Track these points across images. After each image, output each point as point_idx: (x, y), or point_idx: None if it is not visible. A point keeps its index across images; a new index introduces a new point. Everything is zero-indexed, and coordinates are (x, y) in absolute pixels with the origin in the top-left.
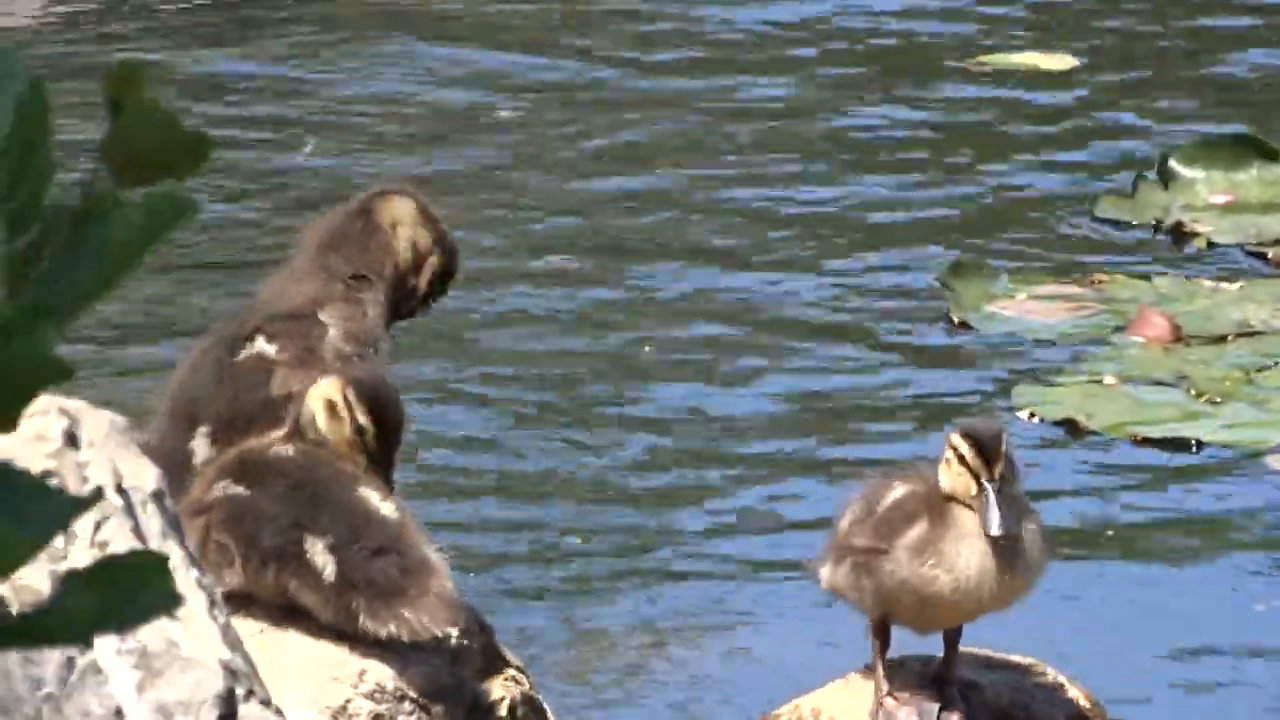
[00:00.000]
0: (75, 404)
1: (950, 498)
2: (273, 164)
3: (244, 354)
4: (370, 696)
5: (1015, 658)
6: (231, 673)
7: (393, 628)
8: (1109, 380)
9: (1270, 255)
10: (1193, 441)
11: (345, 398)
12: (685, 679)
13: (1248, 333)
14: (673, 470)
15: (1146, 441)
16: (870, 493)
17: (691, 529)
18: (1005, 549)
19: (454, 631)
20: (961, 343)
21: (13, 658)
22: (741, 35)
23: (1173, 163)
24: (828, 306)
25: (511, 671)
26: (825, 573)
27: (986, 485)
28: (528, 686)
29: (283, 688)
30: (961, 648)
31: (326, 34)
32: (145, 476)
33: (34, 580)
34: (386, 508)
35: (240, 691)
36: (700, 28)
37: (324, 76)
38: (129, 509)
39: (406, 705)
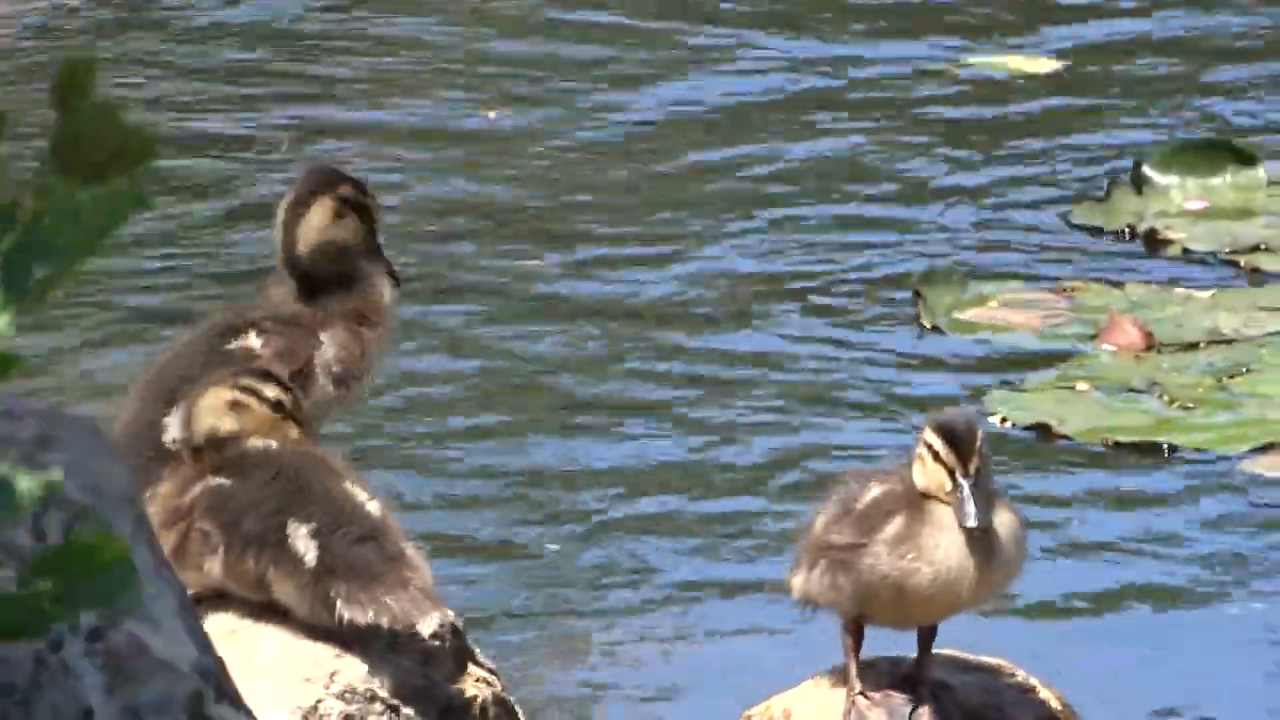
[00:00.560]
0: (47, 406)
1: (926, 494)
2: None
3: (235, 344)
4: (341, 697)
5: (987, 659)
6: (202, 674)
7: (372, 615)
8: (1081, 386)
9: (1243, 262)
10: (1165, 447)
11: (244, 385)
12: (658, 681)
13: (1220, 340)
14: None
15: (1119, 447)
16: (844, 494)
17: (662, 537)
18: (983, 542)
19: (433, 622)
20: (933, 349)
21: None
22: (713, 39)
23: (1147, 168)
24: (795, 309)
25: (483, 673)
26: (798, 581)
27: (961, 480)
28: (499, 688)
29: (254, 688)
30: (934, 649)
31: None
32: (117, 480)
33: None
34: (371, 504)
35: (211, 692)
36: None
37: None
38: (99, 510)
39: (377, 706)
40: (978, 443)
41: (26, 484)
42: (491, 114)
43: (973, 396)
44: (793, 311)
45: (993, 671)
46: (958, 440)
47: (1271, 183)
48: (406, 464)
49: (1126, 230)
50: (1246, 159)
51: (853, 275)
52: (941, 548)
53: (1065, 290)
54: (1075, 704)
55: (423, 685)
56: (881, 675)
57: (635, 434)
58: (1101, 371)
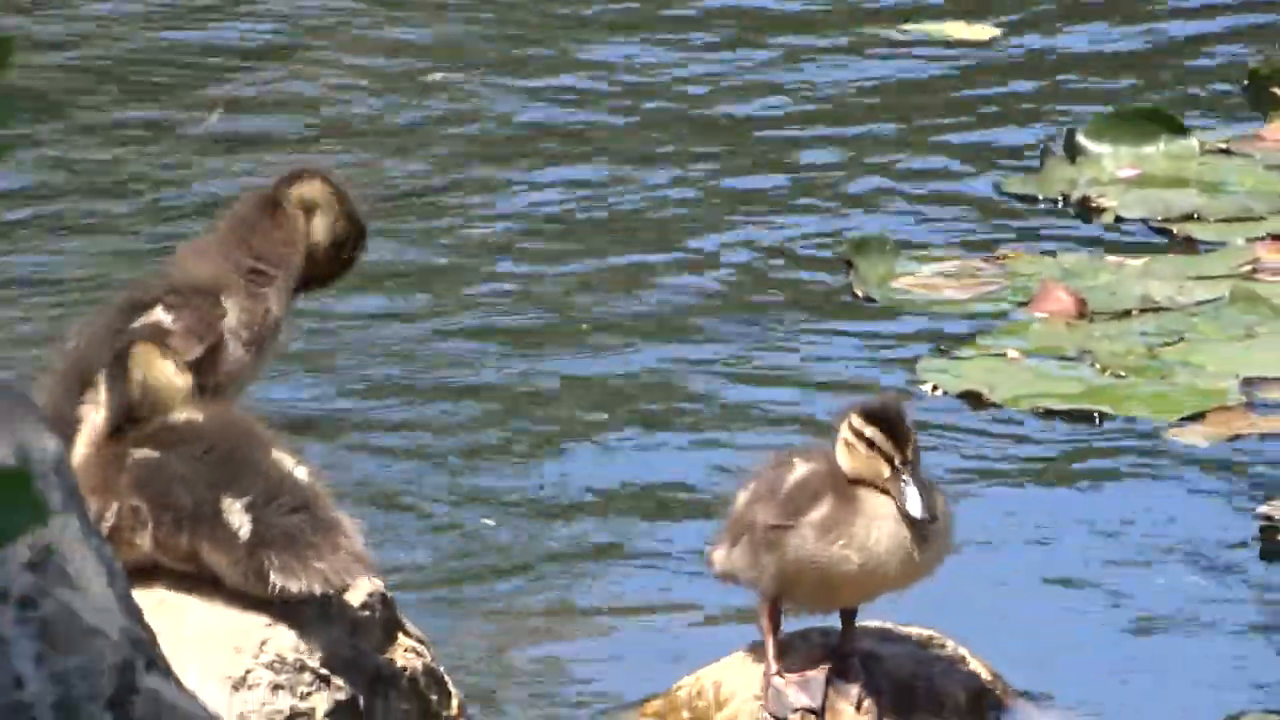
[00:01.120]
0: None
1: (855, 480)
2: None
3: (140, 322)
4: (270, 667)
5: (915, 630)
6: (131, 642)
7: (305, 582)
8: (1013, 354)
9: (1176, 231)
10: (1096, 415)
11: (162, 347)
12: (589, 654)
13: (1152, 308)
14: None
15: (1050, 415)
16: (768, 471)
17: (589, 504)
18: (917, 531)
19: (365, 588)
20: (865, 317)
21: None
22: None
23: (1080, 137)
24: (731, 279)
25: (412, 643)
26: (719, 556)
27: (902, 468)
28: (429, 658)
29: (183, 658)
30: (863, 621)
31: None
32: (47, 448)
33: None
34: (300, 471)
35: (140, 661)
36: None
37: None
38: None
39: (307, 676)
40: (910, 427)
41: None
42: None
43: (905, 364)
44: (723, 278)
45: (922, 642)
46: (892, 426)
47: (1204, 152)
48: (339, 436)
49: (1060, 198)
50: (1179, 128)
51: (785, 243)
52: (873, 537)
53: (998, 258)
54: (1005, 674)
55: (352, 655)
56: (813, 647)
57: (584, 397)
58: (1033, 339)
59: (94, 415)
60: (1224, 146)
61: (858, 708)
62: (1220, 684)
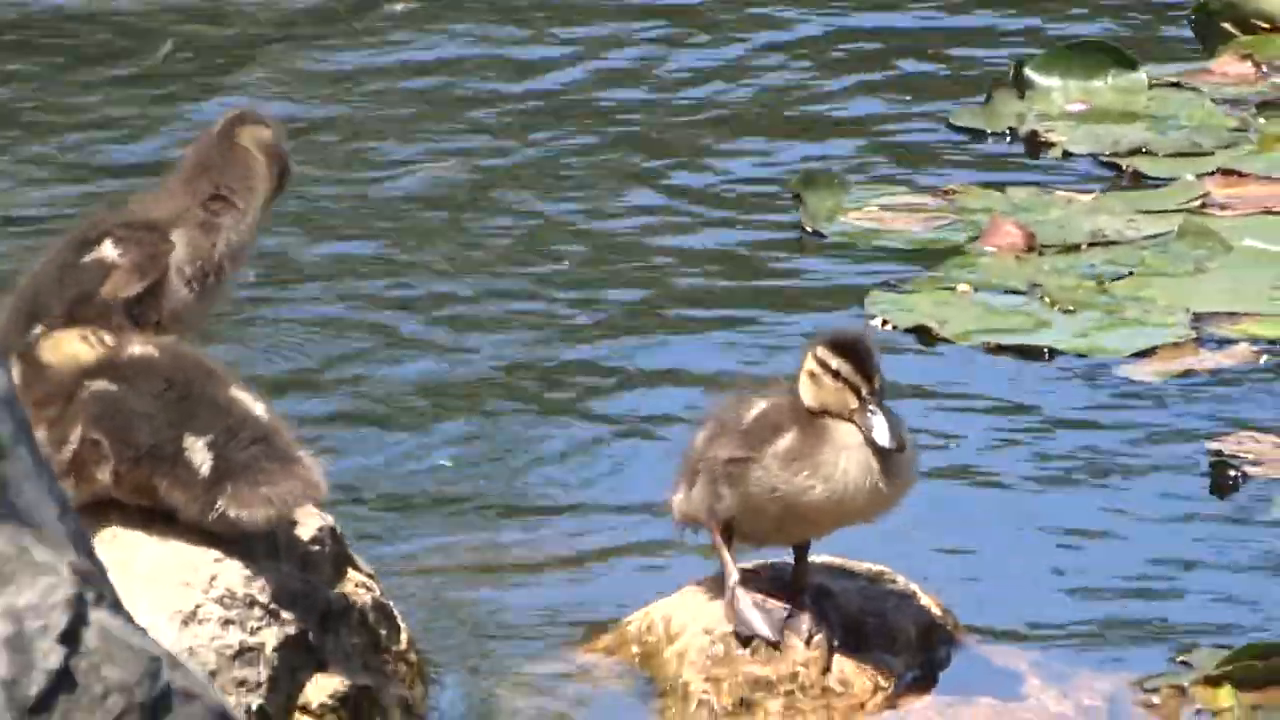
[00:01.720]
0: None
1: (818, 412)
2: None
3: (89, 257)
4: (220, 602)
5: (866, 566)
6: (82, 577)
7: (261, 512)
8: (962, 288)
9: (1125, 165)
10: (1045, 350)
11: (93, 334)
12: (539, 593)
13: (1101, 242)
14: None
15: (999, 349)
16: (724, 411)
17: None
18: (884, 461)
19: (316, 520)
20: (813, 251)
21: None
22: None
23: (1028, 71)
24: (679, 214)
25: (362, 578)
26: (678, 501)
27: (869, 399)
28: (378, 593)
29: (134, 593)
30: (814, 556)
31: None
32: None
33: None
34: (259, 408)
35: (91, 596)
36: None
37: None
38: None
39: (257, 611)
40: (876, 357)
41: None
42: (398, 6)
43: (854, 299)
44: (673, 215)
45: (873, 578)
46: (859, 357)
47: (1153, 86)
48: (309, 388)
49: (1008, 133)
50: (1127, 62)
51: (734, 180)
52: (840, 467)
53: (947, 193)
54: (955, 609)
55: (302, 590)
56: (763, 582)
57: (525, 341)
58: (982, 274)
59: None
60: (1173, 81)
61: (808, 642)
62: (1170, 619)
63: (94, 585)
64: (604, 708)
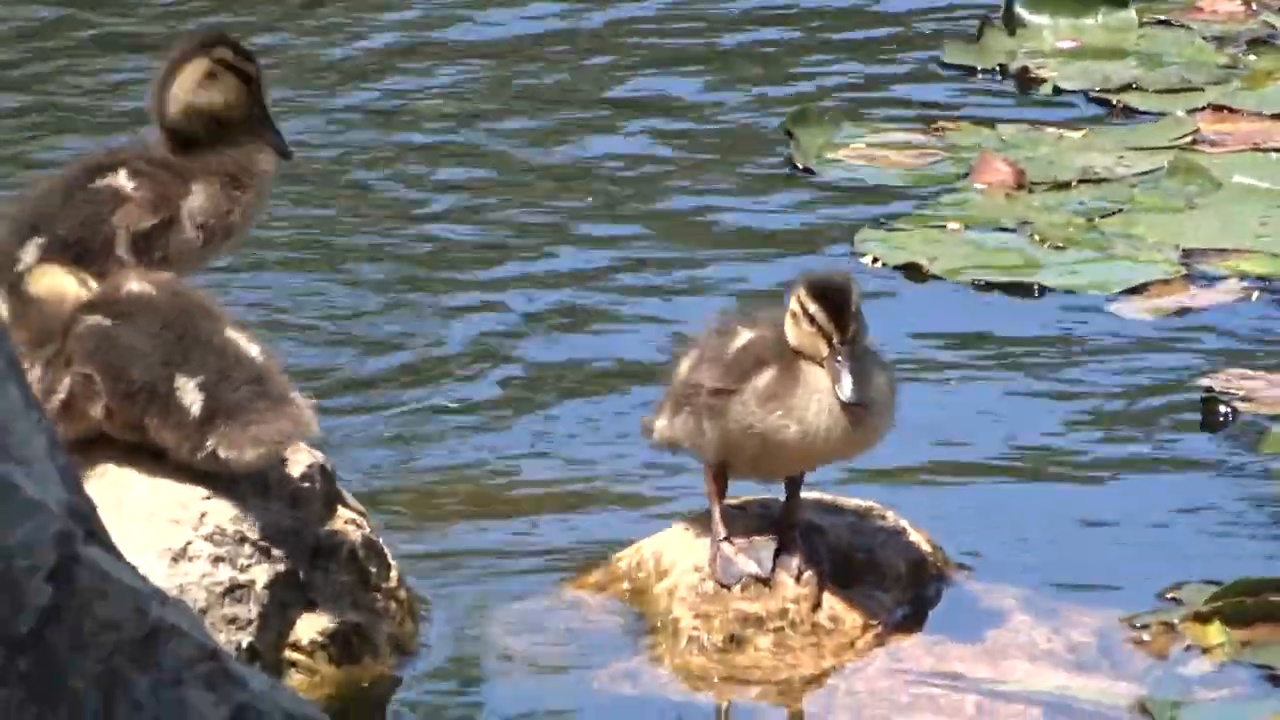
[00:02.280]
0: None
1: (798, 352)
2: None
3: (102, 182)
4: (210, 539)
5: (856, 501)
6: (72, 514)
7: (251, 452)
8: (952, 226)
9: (1115, 101)
10: (1035, 287)
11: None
12: (529, 529)
13: (1091, 179)
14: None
15: (989, 286)
16: (709, 339)
17: (529, 377)
18: (850, 413)
19: (306, 458)
20: (804, 188)
21: None
22: None
23: (1019, 8)
24: (670, 150)
25: (352, 515)
26: (661, 425)
27: (839, 349)
28: (368, 530)
29: (124, 530)
30: (804, 493)
31: None
32: None
33: None
34: (253, 349)
35: (80, 533)
36: None
37: None
38: None
39: (246, 548)
40: (854, 307)
41: None
42: None
43: (844, 236)
44: (662, 154)
45: (863, 514)
46: (834, 305)
47: (1142, 23)
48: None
49: (998, 70)
50: (1118, 0)
51: (724, 116)
52: (812, 410)
53: (937, 129)
54: (944, 545)
55: (292, 527)
56: (751, 518)
57: (507, 280)
58: (972, 211)
59: (30, 261)
60: (1163, 18)
61: (798, 579)
62: (1159, 555)
63: (84, 522)
64: (594, 644)
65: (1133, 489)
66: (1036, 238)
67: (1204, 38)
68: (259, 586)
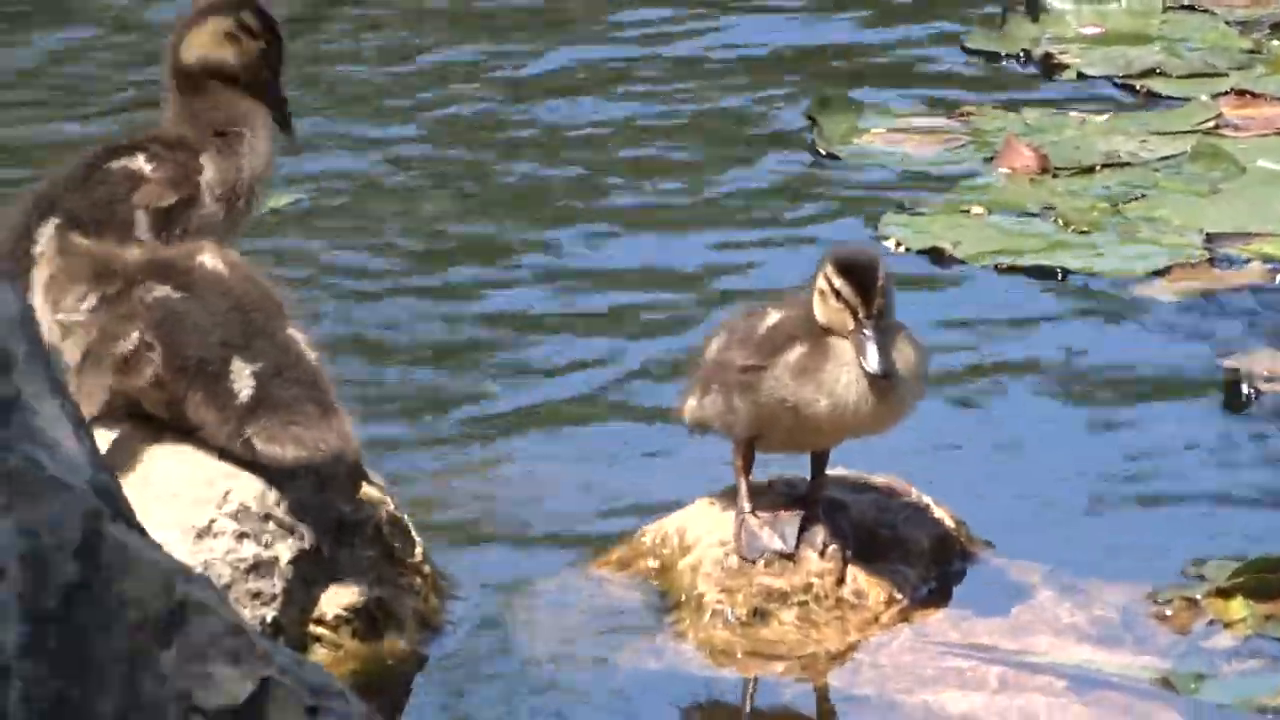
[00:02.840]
0: None
1: (827, 329)
2: None
3: (119, 163)
4: (234, 516)
5: (881, 478)
6: (98, 493)
7: (290, 451)
8: (976, 210)
9: (1139, 86)
10: (1059, 271)
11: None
12: (554, 505)
13: (1115, 164)
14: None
15: (1013, 270)
16: (738, 322)
17: (557, 364)
18: (876, 386)
19: (348, 454)
20: (828, 174)
21: None
22: None
23: None
24: (692, 138)
25: (376, 491)
26: (691, 405)
27: (864, 322)
28: (393, 506)
29: (148, 509)
30: (830, 469)
31: None
32: (8, 302)
33: None
34: (310, 352)
35: (106, 512)
36: None
37: None
38: None
39: (270, 524)
40: (880, 281)
41: None
42: None
43: (868, 221)
44: (687, 141)
45: (887, 491)
46: (860, 279)
47: (1166, 8)
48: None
49: (1022, 55)
50: None
51: (749, 102)
52: (842, 383)
53: (961, 114)
54: (968, 522)
55: (316, 504)
56: (777, 495)
57: (537, 265)
58: (996, 195)
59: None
60: (1186, 3)
61: (822, 554)
62: (1183, 532)
63: (109, 501)
64: (618, 620)
65: (1156, 467)
66: (1060, 222)
67: (1227, 23)
68: (283, 562)
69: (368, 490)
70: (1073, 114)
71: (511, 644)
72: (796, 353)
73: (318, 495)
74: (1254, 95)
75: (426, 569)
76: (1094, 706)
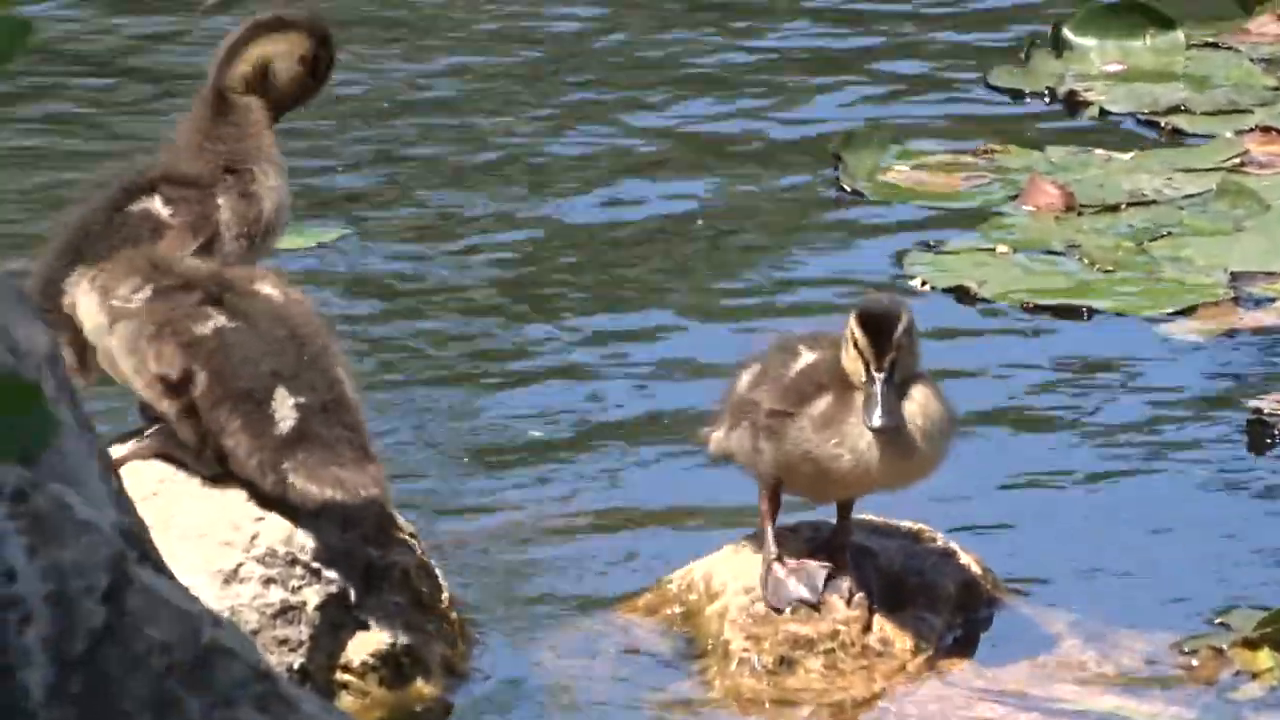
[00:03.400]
0: None
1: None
2: None
3: (138, 206)
4: (262, 560)
5: (907, 524)
6: (124, 536)
7: (328, 492)
8: (1001, 249)
9: (1163, 124)
10: (1084, 309)
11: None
12: (580, 549)
13: (1140, 202)
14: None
15: (1038, 309)
16: (770, 355)
17: (587, 403)
18: (900, 438)
19: (382, 503)
20: (853, 212)
21: None
22: None
23: (1066, 31)
24: (720, 171)
25: (404, 537)
26: (717, 436)
27: (875, 375)
28: (420, 551)
29: (174, 551)
30: (855, 515)
31: None
32: (38, 340)
33: None
34: (354, 395)
35: (133, 555)
36: None
37: None
38: (20, 371)
39: (298, 569)
40: (896, 334)
41: None
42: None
43: (893, 259)
44: (710, 175)
45: (914, 536)
46: (875, 332)
47: (1190, 45)
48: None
49: (1046, 92)
50: (1165, 22)
51: (773, 138)
52: (866, 439)
53: (986, 152)
54: (995, 568)
55: (344, 548)
56: (802, 541)
57: (565, 300)
58: (1021, 233)
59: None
60: (1211, 40)
61: (848, 601)
62: (1209, 578)
63: (136, 544)
64: (645, 667)
65: (1181, 512)
66: (1085, 260)
67: (1252, 60)
68: (310, 608)
69: (395, 535)
70: (1097, 152)
71: (538, 690)
72: (823, 404)
73: (345, 540)
74: (1278, 132)
75: (454, 615)
76: None
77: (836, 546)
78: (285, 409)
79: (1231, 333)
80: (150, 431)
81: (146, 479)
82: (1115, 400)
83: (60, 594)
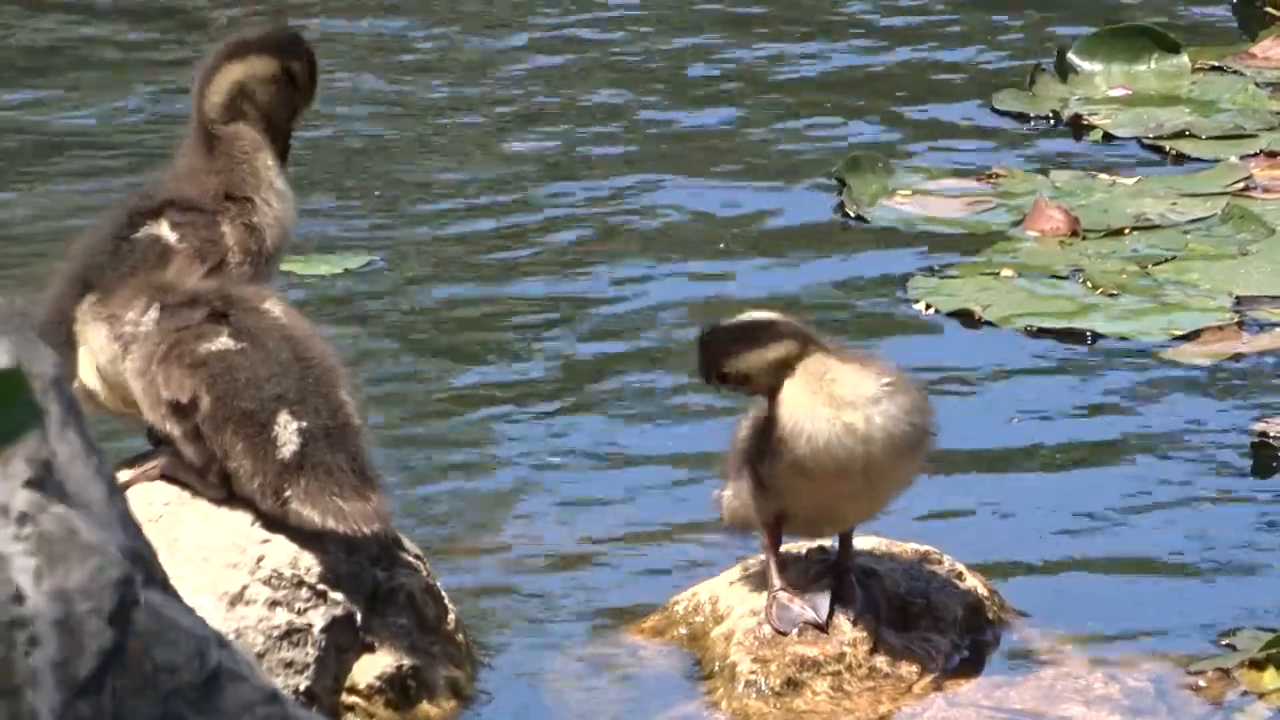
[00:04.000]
0: None
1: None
2: None
3: (143, 232)
4: (268, 583)
5: (912, 546)
6: (131, 558)
7: (329, 520)
8: (1005, 272)
9: (1168, 148)
10: (1088, 334)
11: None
12: (586, 574)
13: (1145, 226)
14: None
15: (1042, 333)
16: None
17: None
18: (864, 432)
19: (382, 532)
20: (857, 236)
21: None
22: None
23: (1071, 55)
24: (723, 195)
25: (410, 559)
26: (726, 496)
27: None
28: (426, 574)
29: (180, 574)
30: (861, 538)
31: None
32: (43, 363)
33: None
34: (356, 418)
35: (140, 577)
36: None
37: None
38: None
39: (304, 592)
40: (714, 354)
41: None
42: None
43: (897, 284)
44: (714, 200)
45: (919, 559)
46: (698, 349)
47: (1195, 69)
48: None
49: (1051, 117)
50: (1170, 46)
51: (776, 162)
52: (824, 416)
53: (990, 176)
54: (1001, 590)
55: (350, 571)
56: (808, 565)
57: (563, 325)
58: (1025, 257)
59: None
60: (1216, 65)
61: (855, 623)
62: (1215, 600)
63: (143, 566)
64: (651, 689)
65: (1186, 535)
66: (1090, 284)
67: (1257, 84)
68: (316, 630)
69: (400, 557)
70: (1102, 176)
71: (545, 713)
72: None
73: (350, 562)
74: None
75: (460, 637)
76: None
77: (842, 569)
78: (288, 433)
79: (1236, 356)
80: (157, 454)
81: (153, 501)
82: (1120, 423)
83: (68, 616)
